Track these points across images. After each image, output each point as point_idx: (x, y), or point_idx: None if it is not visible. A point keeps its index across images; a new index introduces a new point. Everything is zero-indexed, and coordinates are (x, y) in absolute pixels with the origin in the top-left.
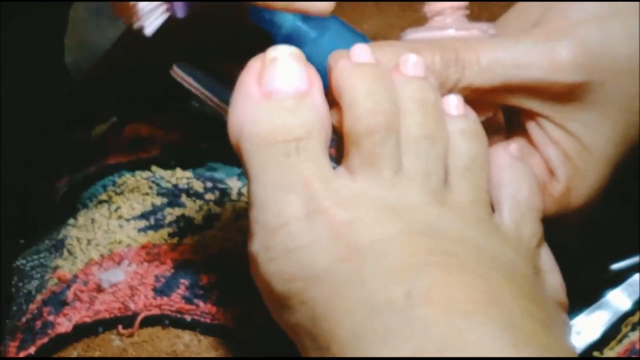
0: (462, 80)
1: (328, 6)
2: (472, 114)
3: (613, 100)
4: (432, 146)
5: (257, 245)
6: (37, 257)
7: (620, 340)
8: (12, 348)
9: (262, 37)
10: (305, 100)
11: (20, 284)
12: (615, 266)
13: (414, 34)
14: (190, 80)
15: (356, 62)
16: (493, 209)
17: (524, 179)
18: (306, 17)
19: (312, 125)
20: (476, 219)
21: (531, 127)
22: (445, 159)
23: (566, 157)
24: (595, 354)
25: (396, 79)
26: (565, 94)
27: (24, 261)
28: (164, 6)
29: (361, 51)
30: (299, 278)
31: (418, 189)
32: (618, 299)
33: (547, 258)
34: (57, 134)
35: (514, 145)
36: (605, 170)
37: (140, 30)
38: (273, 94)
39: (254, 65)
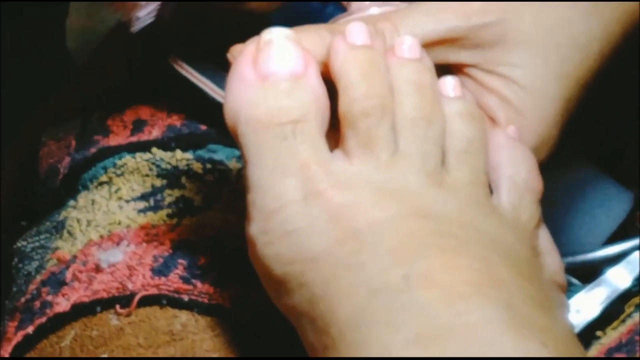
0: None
1: None
2: (469, 95)
3: (535, 36)
4: (428, 128)
5: (255, 229)
6: (37, 239)
7: (623, 321)
8: (10, 328)
9: (260, 22)
10: (301, 82)
11: (21, 265)
12: (614, 247)
13: (338, 21)
14: (189, 68)
15: (351, 44)
16: (491, 191)
17: (522, 161)
18: (306, 3)
19: (309, 107)
20: (474, 201)
21: (465, 82)
22: (442, 140)
23: (503, 100)
24: (598, 333)
25: (392, 62)
26: (486, 38)
27: (24, 242)
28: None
29: (357, 31)
30: (297, 261)
31: (415, 171)
32: (617, 276)
33: (545, 239)
34: (60, 119)
35: (512, 127)
36: (547, 106)
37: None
38: (269, 76)
39: (249, 48)
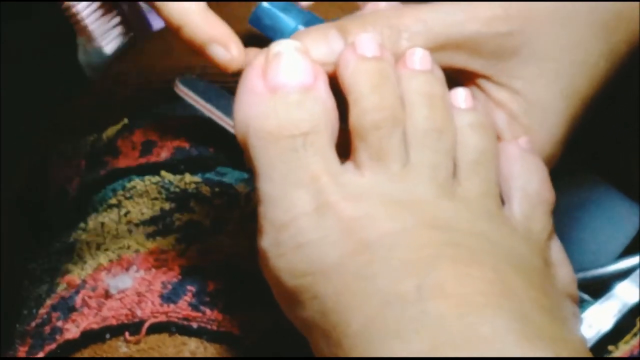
0: (400, 44)
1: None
2: (480, 107)
3: (551, 51)
4: (439, 139)
5: (267, 242)
6: (47, 261)
7: (635, 334)
8: (21, 353)
9: (263, 43)
10: (311, 94)
11: (31, 288)
12: (626, 262)
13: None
14: (193, 95)
15: (361, 55)
16: (503, 202)
17: (534, 172)
18: (308, 21)
19: (318, 119)
20: (486, 212)
21: (475, 93)
22: (453, 152)
23: (512, 116)
24: (611, 348)
25: (403, 73)
26: (503, 47)
27: (34, 264)
28: (120, 27)
29: (366, 42)
30: (310, 273)
31: (426, 183)
32: (626, 291)
33: (557, 251)
34: (70, 136)
35: (524, 138)
36: (554, 124)
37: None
38: (278, 88)
39: (258, 60)
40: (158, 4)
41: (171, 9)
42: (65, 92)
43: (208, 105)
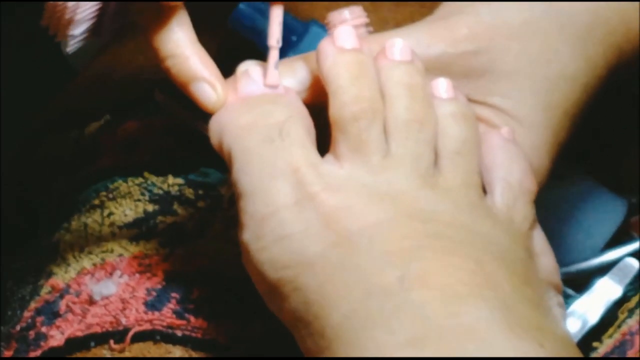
0: None
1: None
2: (462, 97)
3: (523, 66)
4: (420, 130)
5: (248, 235)
6: (30, 262)
7: (619, 326)
8: (6, 356)
9: (244, 50)
10: (282, 97)
11: (15, 288)
12: (609, 255)
13: None
14: (173, 104)
15: (340, 47)
16: (485, 192)
17: (516, 161)
18: (286, 22)
19: (291, 111)
20: (468, 202)
21: None
22: (434, 142)
23: (494, 129)
24: (595, 344)
25: (383, 64)
26: (474, 66)
27: (18, 264)
28: (89, 29)
29: (345, 34)
30: (292, 265)
31: (407, 173)
32: (607, 286)
33: (539, 240)
34: (52, 132)
35: (506, 128)
36: (538, 136)
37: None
38: (250, 94)
39: (229, 82)
40: (150, 30)
41: (164, 37)
42: (51, 85)
43: (188, 114)
